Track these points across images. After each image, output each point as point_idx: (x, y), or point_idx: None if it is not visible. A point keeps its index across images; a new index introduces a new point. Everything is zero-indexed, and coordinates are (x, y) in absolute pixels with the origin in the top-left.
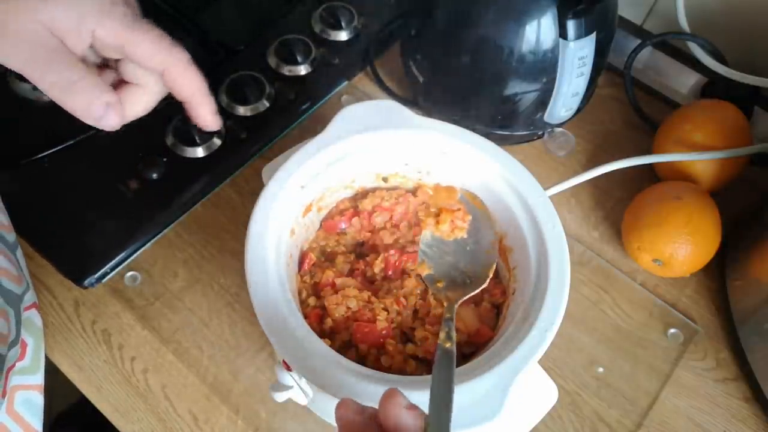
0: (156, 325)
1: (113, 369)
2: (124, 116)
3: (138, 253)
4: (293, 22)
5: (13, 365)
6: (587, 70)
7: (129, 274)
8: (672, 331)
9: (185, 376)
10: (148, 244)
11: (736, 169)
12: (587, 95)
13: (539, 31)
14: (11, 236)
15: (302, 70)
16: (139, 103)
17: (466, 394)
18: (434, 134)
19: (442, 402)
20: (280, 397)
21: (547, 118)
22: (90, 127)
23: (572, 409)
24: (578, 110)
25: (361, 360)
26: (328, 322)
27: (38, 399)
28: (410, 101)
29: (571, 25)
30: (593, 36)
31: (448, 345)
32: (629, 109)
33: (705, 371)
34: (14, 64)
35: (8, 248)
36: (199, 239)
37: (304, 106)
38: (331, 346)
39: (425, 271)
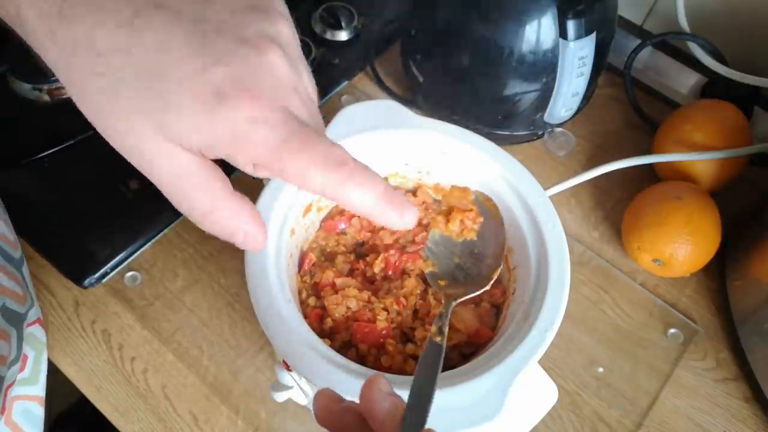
0: (156, 325)
1: (113, 369)
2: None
3: (138, 253)
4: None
5: (13, 382)
6: (587, 70)
7: (129, 274)
8: (672, 331)
9: (185, 376)
10: (148, 244)
11: (736, 169)
12: (587, 95)
13: (539, 31)
14: (17, 253)
15: None
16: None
17: (466, 394)
18: (434, 134)
19: (423, 393)
20: (280, 397)
21: (547, 118)
22: (90, 127)
23: (572, 409)
24: (578, 110)
25: (361, 360)
26: (328, 322)
27: (38, 410)
28: (410, 101)
29: (571, 25)
30: (593, 36)
31: (438, 339)
32: (629, 109)
33: (705, 371)
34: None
35: (13, 265)
36: (199, 239)
37: None
38: (331, 346)
39: (428, 268)
